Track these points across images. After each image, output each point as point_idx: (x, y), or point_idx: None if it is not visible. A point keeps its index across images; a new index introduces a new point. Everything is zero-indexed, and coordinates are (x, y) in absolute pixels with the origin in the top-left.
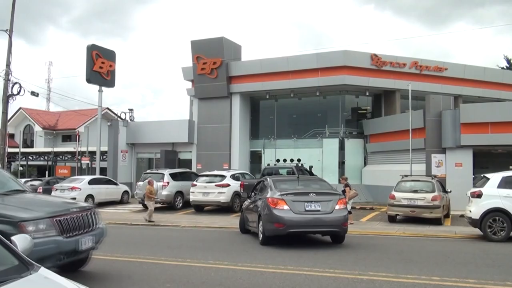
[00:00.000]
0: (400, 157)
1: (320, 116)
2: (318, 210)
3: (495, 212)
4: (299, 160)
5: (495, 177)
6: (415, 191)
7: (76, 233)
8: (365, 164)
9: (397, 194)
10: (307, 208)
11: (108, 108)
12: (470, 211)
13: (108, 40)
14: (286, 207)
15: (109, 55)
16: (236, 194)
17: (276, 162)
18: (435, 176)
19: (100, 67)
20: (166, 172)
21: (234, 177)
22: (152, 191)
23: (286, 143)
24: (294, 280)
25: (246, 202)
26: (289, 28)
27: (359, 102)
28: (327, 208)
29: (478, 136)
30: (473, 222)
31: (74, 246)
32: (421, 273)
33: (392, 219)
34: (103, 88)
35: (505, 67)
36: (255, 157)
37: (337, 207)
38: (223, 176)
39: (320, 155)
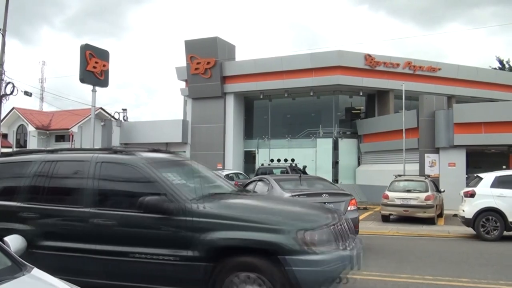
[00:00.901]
0: (394, 157)
1: (314, 116)
2: None
3: (488, 212)
4: (293, 160)
5: (488, 177)
6: (409, 191)
7: (346, 244)
8: (358, 164)
9: (390, 194)
10: None
11: (101, 108)
12: (463, 211)
13: (102, 40)
14: None
15: (103, 55)
16: None
17: (270, 162)
18: (428, 176)
19: (94, 66)
20: None
21: (228, 177)
22: None
23: (280, 143)
24: None
25: None
26: (283, 28)
27: (353, 102)
28: (340, 209)
29: (471, 136)
30: (466, 222)
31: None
32: (415, 273)
33: (385, 219)
34: (96, 88)
35: (497, 68)
36: (249, 157)
37: (349, 208)
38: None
39: (314, 155)
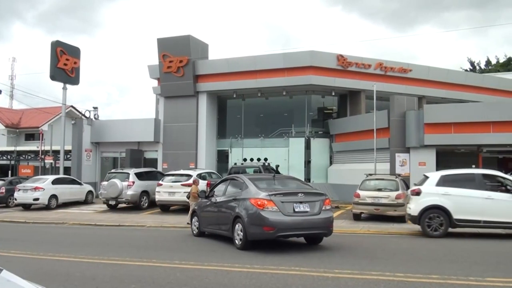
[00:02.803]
0: (365, 156)
1: (286, 115)
2: (307, 212)
3: (434, 209)
4: (266, 159)
5: (434, 176)
6: (380, 190)
7: None
8: (330, 163)
9: (362, 193)
10: (296, 210)
11: (72, 106)
12: (410, 208)
13: (74, 36)
14: (275, 208)
15: (74, 52)
16: None
17: (243, 161)
18: (399, 175)
19: (65, 64)
20: (132, 171)
21: (200, 176)
22: (198, 190)
23: (253, 143)
24: (260, 279)
25: (200, 202)
26: (257, 28)
27: (325, 102)
28: (315, 209)
29: (441, 136)
30: (412, 219)
31: None
32: (385, 270)
33: (357, 217)
34: (67, 85)
35: (468, 70)
36: (222, 156)
37: (324, 207)
38: (189, 176)
39: (287, 154)
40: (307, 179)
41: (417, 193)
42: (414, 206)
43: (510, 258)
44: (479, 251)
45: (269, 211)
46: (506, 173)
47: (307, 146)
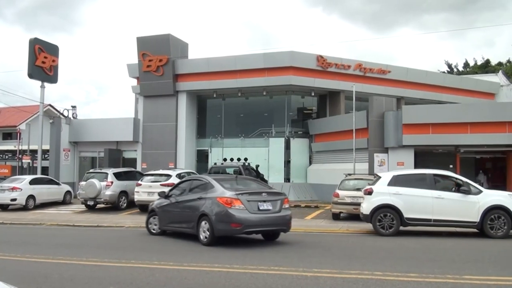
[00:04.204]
0: (344, 156)
1: (266, 115)
2: (270, 210)
3: (385, 208)
4: (246, 159)
5: (386, 176)
6: (359, 189)
7: None
8: (310, 163)
9: (341, 192)
10: (260, 208)
11: (50, 105)
12: (363, 207)
13: (53, 34)
14: (242, 206)
15: (52, 50)
16: None
17: (223, 161)
18: (377, 175)
19: (43, 62)
20: (110, 171)
21: (180, 176)
22: None
23: (233, 142)
24: (240, 278)
25: (159, 202)
26: (238, 28)
27: (304, 102)
28: (276, 207)
29: (419, 136)
30: (365, 217)
31: None
32: (364, 269)
33: (336, 217)
34: (45, 83)
35: (446, 72)
36: (202, 156)
37: (283, 206)
38: (169, 176)
39: (267, 154)
40: (287, 179)
41: (369, 192)
42: (366, 205)
43: (488, 255)
44: (455, 249)
45: (236, 209)
46: (482, 172)
47: (287, 146)
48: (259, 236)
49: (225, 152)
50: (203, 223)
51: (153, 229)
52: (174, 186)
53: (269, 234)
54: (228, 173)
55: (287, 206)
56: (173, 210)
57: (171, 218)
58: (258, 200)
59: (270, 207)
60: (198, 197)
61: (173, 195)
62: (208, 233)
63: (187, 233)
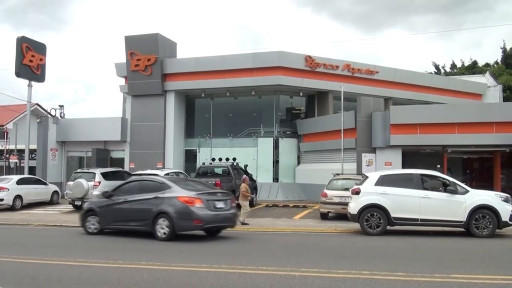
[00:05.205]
0: (332, 156)
1: (255, 115)
2: (223, 208)
3: (372, 208)
4: (234, 159)
5: (373, 176)
6: (347, 189)
7: None
8: (298, 163)
9: (329, 192)
10: (216, 206)
11: (38, 104)
12: (350, 207)
13: (42, 33)
14: (202, 205)
15: (40, 48)
16: None
17: (212, 161)
18: (365, 175)
19: (30, 60)
20: (98, 171)
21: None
22: (248, 189)
23: (222, 142)
24: (228, 278)
25: (99, 201)
26: (227, 28)
27: (293, 103)
28: (227, 206)
29: (407, 136)
30: (352, 217)
31: None
32: (352, 268)
33: (324, 216)
34: (33, 82)
35: (433, 72)
36: (190, 156)
37: (231, 205)
38: (156, 176)
39: (255, 154)
40: (275, 178)
41: (357, 192)
42: (354, 205)
43: (474, 254)
44: (443, 248)
45: (197, 207)
46: (469, 172)
47: (276, 146)
48: (202, 232)
49: (214, 152)
50: (160, 220)
51: (91, 228)
52: (117, 187)
53: (212, 231)
54: (217, 173)
55: (234, 205)
56: (121, 209)
57: (117, 217)
58: (215, 199)
59: (224, 206)
60: (153, 197)
61: (115, 195)
62: (167, 229)
63: (137, 231)
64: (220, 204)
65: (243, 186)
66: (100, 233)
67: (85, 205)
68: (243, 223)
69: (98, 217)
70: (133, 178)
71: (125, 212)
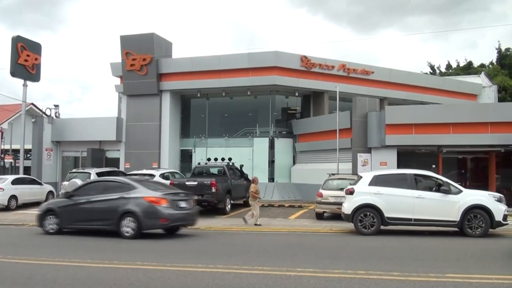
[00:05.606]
0: (328, 156)
1: (251, 115)
2: (186, 207)
3: (366, 208)
4: (230, 159)
5: (367, 176)
6: (342, 189)
7: None
8: (294, 163)
9: (324, 192)
10: (180, 206)
11: (33, 104)
12: (344, 207)
13: (38, 32)
14: (168, 205)
15: (35, 48)
16: None
17: (207, 161)
18: (359, 175)
19: (25, 60)
20: (93, 171)
21: (163, 176)
22: (258, 190)
23: (217, 142)
24: (224, 278)
25: (59, 201)
26: (223, 27)
27: (288, 103)
28: (190, 205)
29: (402, 136)
30: (346, 217)
31: None
32: (347, 268)
33: (319, 216)
34: (28, 82)
35: (428, 73)
36: (186, 156)
37: (193, 204)
38: (152, 175)
39: (251, 154)
40: (271, 178)
41: (351, 192)
42: (348, 205)
43: (469, 254)
44: (437, 248)
45: (164, 206)
46: (464, 173)
47: (271, 146)
48: (161, 231)
49: (209, 152)
50: (127, 219)
51: (50, 228)
52: (79, 187)
53: (172, 229)
54: (213, 173)
55: (194, 204)
56: (83, 209)
57: (79, 217)
58: (178, 199)
59: (186, 205)
60: (118, 197)
61: (77, 195)
62: (134, 228)
63: (100, 230)
64: (183, 204)
65: (253, 187)
66: (59, 232)
67: (43, 205)
68: (255, 224)
69: (57, 217)
70: (96, 178)
71: (88, 212)
